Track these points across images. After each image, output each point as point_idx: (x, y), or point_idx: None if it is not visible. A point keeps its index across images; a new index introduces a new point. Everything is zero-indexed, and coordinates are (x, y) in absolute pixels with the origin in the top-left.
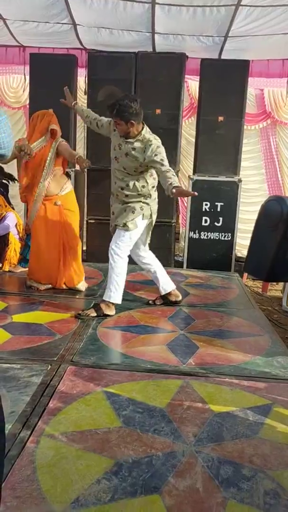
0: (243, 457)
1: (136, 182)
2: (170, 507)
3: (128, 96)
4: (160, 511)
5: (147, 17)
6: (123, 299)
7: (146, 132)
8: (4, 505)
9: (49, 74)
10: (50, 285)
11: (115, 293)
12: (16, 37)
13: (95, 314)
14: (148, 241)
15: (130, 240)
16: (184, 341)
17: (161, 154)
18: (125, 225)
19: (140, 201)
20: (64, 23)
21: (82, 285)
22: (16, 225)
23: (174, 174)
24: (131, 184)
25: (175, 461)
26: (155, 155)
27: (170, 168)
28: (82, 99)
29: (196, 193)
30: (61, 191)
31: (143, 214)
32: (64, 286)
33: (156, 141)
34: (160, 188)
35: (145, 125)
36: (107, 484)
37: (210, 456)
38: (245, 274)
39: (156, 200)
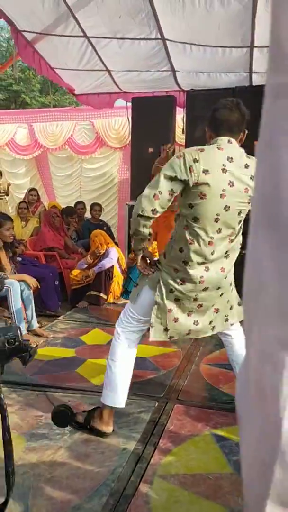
0: None
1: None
2: None
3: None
4: None
5: (245, 59)
6: None
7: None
8: None
9: (149, 115)
10: None
11: None
12: (119, 85)
13: None
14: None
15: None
16: None
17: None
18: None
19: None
20: (164, 70)
21: None
22: (118, 259)
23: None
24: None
25: None
26: None
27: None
28: (180, 137)
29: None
30: None
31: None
32: None
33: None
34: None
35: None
36: None
37: None
38: None
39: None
